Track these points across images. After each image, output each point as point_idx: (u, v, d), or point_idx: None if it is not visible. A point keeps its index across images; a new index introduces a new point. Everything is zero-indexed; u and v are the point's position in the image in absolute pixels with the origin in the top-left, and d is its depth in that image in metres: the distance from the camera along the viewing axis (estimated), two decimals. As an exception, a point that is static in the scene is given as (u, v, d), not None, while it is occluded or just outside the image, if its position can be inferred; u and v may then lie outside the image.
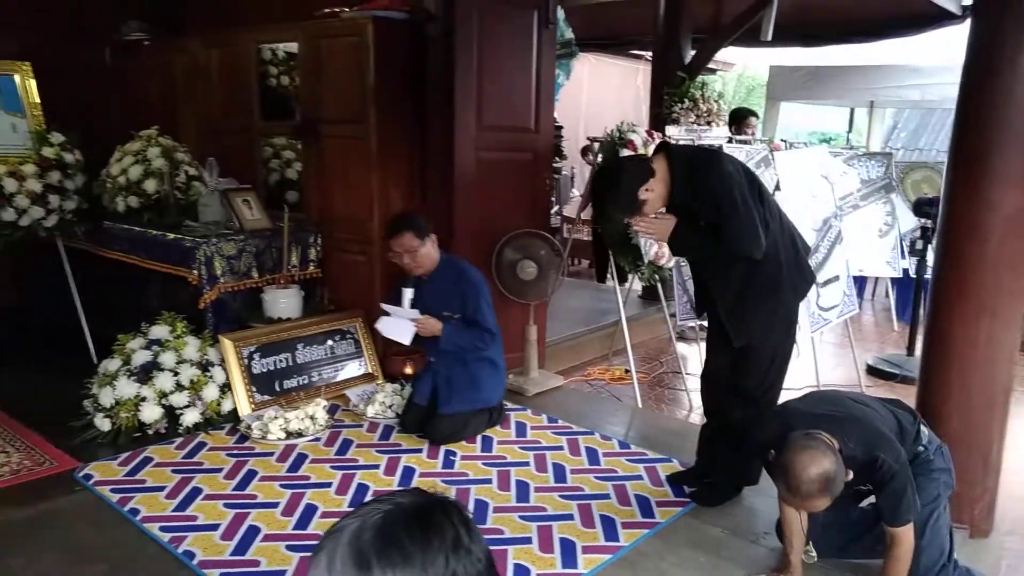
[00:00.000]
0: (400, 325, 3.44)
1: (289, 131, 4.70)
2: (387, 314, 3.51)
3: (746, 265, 2.68)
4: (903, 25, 6.47)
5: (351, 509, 2.76)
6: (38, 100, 4.43)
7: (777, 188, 4.39)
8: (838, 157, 5.32)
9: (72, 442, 3.41)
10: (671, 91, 5.75)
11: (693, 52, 6.00)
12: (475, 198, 4.05)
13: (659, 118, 5.73)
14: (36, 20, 5.33)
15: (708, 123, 5.74)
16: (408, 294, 3.45)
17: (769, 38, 5.17)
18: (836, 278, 4.59)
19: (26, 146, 4.31)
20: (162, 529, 2.71)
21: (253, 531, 2.70)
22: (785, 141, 4.77)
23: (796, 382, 4.80)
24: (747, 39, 5.90)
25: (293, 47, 4.71)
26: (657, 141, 4.08)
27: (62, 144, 4.38)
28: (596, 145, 4.25)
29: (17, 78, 4.38)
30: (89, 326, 4.56)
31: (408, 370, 4.04)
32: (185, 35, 5.32)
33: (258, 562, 2.53)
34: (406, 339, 3.45)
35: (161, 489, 2.99)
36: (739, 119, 5.61)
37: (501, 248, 4.06)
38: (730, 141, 5.00)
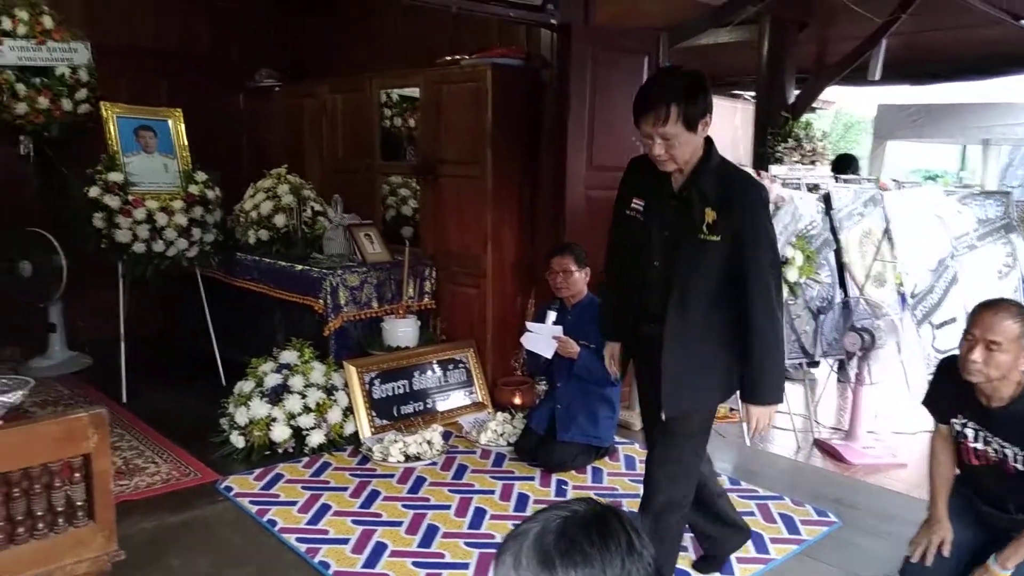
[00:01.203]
0: (543, 340, 3.60)
1: (408, 171, 4.99)
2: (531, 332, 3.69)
3: (722, 316, 2.21)
4: (1020, 62, 6.29)
5: (472, 531, 2.91)
6: (186, 142, 4.87)
7: (887, 228, 4.35)
8: (951, 196, 5.21)
9: (211, 456, 3.71)
10: (774, 131, 5.77)
11: (797, 92, 6.02)
12: (583, 235, 4.17)
13: (762, 157, 5.75)
14: (181, 71, 5.90)
15: (812, 162, 5.72)
16: (552, 315, 3.66)
17: (878, 77, 5.15)
18: (953, 320, 4.48)
19: (175, 184, 4.74)
20: (298, 540, 2.91)
21: (381, 547, 2.88)
22: (896, 181, 4.72)
23: (911, 426, 4.69)
24: (853, 78, 5.87)
25: (410, 92, 5.03)
26: (768, 179, 4.13)
27: (205, 182, 4.80)
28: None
29: (170, 123, 4.85)
30: (218, 349, 4.92)
31: (517, 400, 4.19)
32: (313, 81, 5.73)
33: (387, 575, 2.69)
34: (548, 353, 3.59)
35: (293, 503, 3.22)
36: (843, 167, 5.49)
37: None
38: (836, 179, 4.99)
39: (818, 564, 2.82)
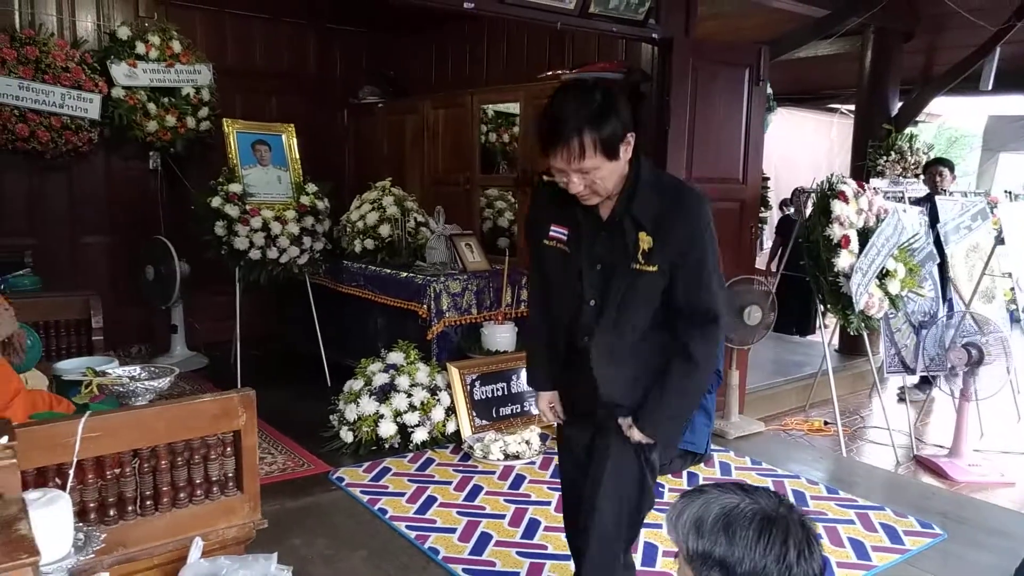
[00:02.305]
0: None
1: (507, 183, 5.16)
2: None
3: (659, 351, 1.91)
4: None
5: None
6: (298, 156, 5.19)
7: (1000, 241, 4.25)
8: (1067, 210, 5.02)
9: (321, 450, 3.94)
10: (876, 144, 5.68)
11: (900, 103, 5.91)
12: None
13: (862, 170, 5.67)
14: (290, 89, 6.29)
15: (916, 176, 5.60)
16: None
17: (990, 87, 5.02)
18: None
19: (288, 195, 5.06)
20: (408, 527, 3.08)
21: (486, 537, 3.01)
22: (1009, 193, 4.60)
23: (1021, 446, 4.54)
24: (962, 89, 5.72)
25: (506, 107, 5.21)
26: (869, 191, 4.11)
27: (315, 193, 5.10)
28: (804, 196, 4.33)
29: (283, 137, 5.18)
30: (324, 352, 5.19)
31: (611, 406, 4.27)
32: (415, 97, 6.00)
33: (494, 563, 2.82)
34: None
35: (402, 494, 3.40)
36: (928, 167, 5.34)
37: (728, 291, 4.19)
38: (943, 192, 4.89)
39: (923, 574, 2.80)
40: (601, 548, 1.99)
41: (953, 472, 4.01)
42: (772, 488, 3.28)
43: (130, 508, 2.01)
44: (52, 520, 1.73)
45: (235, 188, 4.79)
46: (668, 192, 1.84)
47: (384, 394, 4.01)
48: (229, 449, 2.17)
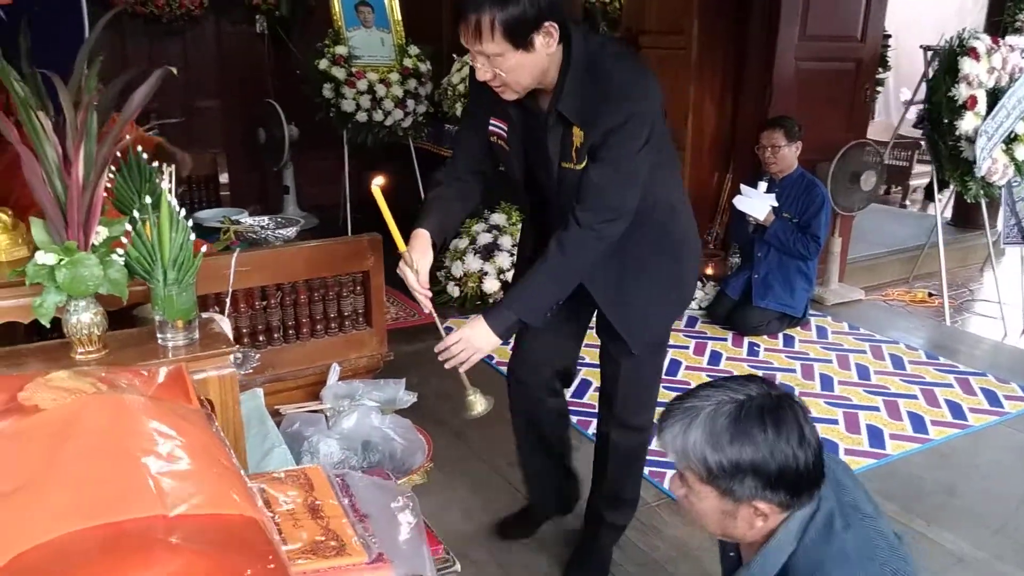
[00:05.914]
0: (757, 204, 3.66)
1: (611, 44, 5.04)
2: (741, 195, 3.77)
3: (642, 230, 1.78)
4: None
5: (668, 377, 3.12)
6: (400, 17, 5.20)
7: None
8: None
9: (429, 303, 4.18)
10: (1019, -4, 5.21)
11: (1048, -50, 5.34)
12: (789, 108, 4.10)
13: (999, 26, 5.23)
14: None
15: (1059, 33, 5.13)
16: (763, 184, 3.71)
17: None
18: None
19: (391, 57, 5.11)
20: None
21: (585, 384, 3.22)
22: None
23: None
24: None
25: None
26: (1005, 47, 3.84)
27: (418, 55, 5.14)
28: (931, 54, 4.08)
29: (386, -1, 5.17)
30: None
31: (709, 270, 4.32)
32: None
33: (593, 405, 3.02)
34: (761, 215, 3.66)
35: (509, 344, 3.61)
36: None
37: (844, 155, 4.08)
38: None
39: (1019, 434, 2.83)
40: None
41: (1063, 345, 3.92)
42: (868, 352, 3.33)
43: (276, 336, 2.27)
44: (217, 338, 1.99)
45: (341, 50, 4.88)
46: (602, 77, 1.56)
47: (488, 252, 4.19)
48: (359, 288, 2.38)
